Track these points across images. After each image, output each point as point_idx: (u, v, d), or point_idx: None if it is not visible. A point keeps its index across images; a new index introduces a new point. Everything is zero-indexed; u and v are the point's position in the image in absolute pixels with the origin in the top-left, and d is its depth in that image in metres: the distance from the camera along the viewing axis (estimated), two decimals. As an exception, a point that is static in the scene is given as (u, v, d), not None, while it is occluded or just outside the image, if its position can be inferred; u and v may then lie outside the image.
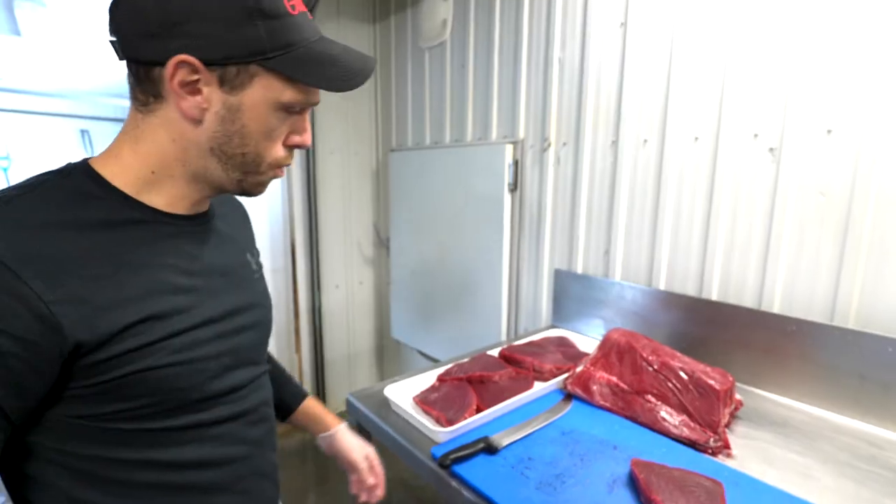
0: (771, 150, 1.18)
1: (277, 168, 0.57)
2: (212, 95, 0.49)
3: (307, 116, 0.57)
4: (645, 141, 1.42)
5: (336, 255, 2.55)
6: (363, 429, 1.13)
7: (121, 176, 0.52)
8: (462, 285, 2.00)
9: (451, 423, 1.00)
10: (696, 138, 1.31)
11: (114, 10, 0.48)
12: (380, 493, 0.92)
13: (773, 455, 0.94)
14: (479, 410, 1.06)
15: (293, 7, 0.49)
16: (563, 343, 1.43)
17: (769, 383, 1.18)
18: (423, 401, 1.10)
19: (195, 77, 0.48)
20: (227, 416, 0.59)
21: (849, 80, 1.05)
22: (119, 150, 0.53)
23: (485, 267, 1.89)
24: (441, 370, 1.25)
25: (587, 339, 1.48)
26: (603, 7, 1.47)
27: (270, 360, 0.83)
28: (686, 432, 0.98)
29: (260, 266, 0.72)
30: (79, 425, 0.49)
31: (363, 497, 0.91)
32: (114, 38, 0.49)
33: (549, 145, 1.67)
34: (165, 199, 0.55)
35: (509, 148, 1.76)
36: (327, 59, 0.51)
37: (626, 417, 1.06)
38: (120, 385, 0.48)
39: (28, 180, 0.49)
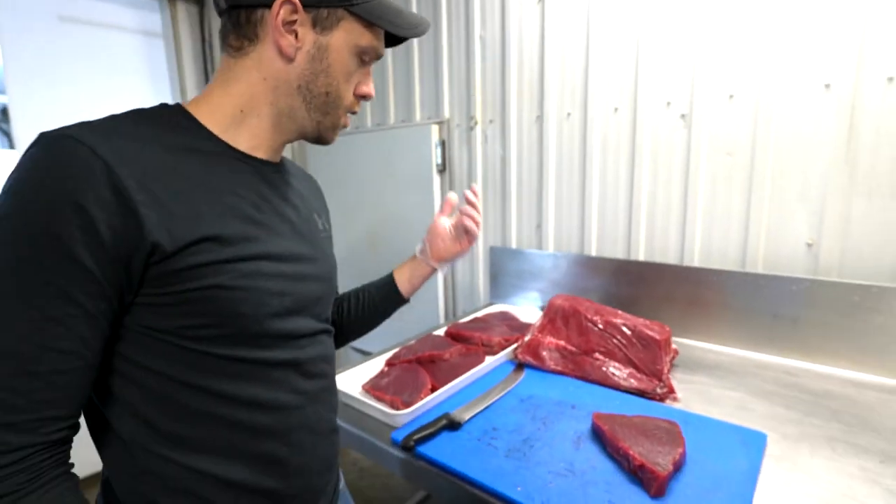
0: (682, 116, 1.27)
1: (349, 113, 0.63)
2: (305, 35, 0.56)
3: (370, 72, 0.64)
4: (568, 114, 1.46)
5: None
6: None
7: (209, 116, 0.57)
8: (395, 273, 1.94)
9: (407, 405, 0.95)
10: (616, 109, 1.37)
11: None
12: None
13: (712, 394, 1.01)
14: (433, 390, 1.02)
15: None
16: (505, 317, 1.43)
17: (697, 332, 1.28)
18: (374, 387, 1.04)
19: (294, 17, 0.54)
20: (282, 361, 0.59)
21: (746, 49, 1.15)
22: (209, 93, 0.58)
23: (418, 252, 1.84)
24: (389, 355, 1.19)
25: (528, 311, 1.50)
26: (519, -16, 1.49)
27: (347, 292, 0.89)
28: (634, 383, 1.02)
29: (327, 230, 0.74)
30: (147, 336, 0.51)
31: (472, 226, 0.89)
32: None
33: (476, 124, 1.67)
34: (247, 140, 0.59)
35: (435, 128, 1.73)
36: (395, 11, 0.60)
37: (578, 378, 1.08)
38: (187, 299, 0.50)
39: (126, 111, 0.54)
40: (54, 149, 0.45)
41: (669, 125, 1.29)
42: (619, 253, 1.43)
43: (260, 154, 0.60)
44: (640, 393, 1.01)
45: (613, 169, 1.40)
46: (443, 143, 1.74)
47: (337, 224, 0.92)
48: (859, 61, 1.03)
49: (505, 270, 1.64)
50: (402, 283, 0.91)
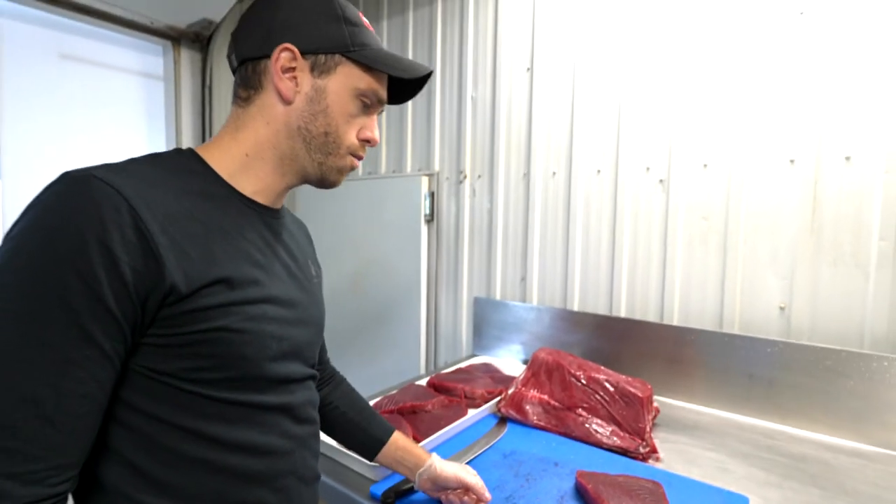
0: (661, 181, 1.34)
1: (353, 156, 0.64)
2: (304, 79, 0.59)
3: (376, 118, 0.66)
4: (554, 173, 1.53)
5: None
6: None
7: (219, 160, 0.60)
8: (378, 319, 1.93)
9: (388, 457, 0.92)
10: (599, 171, 1.45)
11: (236, 33, 0.62)
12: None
13: (692, 455, 1.01)
14: (415, 441, 1.00)
15: (367, 23, 0.64)
16: (488, 369, 1.43)
17: (677, 391, 1.29)
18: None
19: (293, 64, 0.58)
20: (276, 405, 0.59)
21: (718, 122, 1.25)
22: (220, 139, 0.61)
23: (402, 298, 1.84)
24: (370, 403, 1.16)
25: (511, 364, 1.49)
26: (511, 53, 1.60)
27: (352, 392, 0.86)
28: (617, 441, 1.02)
29: (319, 276, 0.75)
30: (145, 377, 0.50)
31: None
32: (231, 54, 0.62)
33: (465, 177, 1.73)
34: (252, 184, 0.61)
35: (425, 180, 1.78)
36: (393, 57, 0.63)
37: (561, 434, 1.07)
38: (193, 340, 0.50)
39: (143, 155, 0.56)
40: (81, 188, 0.46)
41: (649, 189, 1.36)
42: (601, 308, 1.46)
43: (262, 199, 0.62)
44: (623, 451, 1.00)
45: (596, 227, 1.46)
46: (432, 195, 1.79)
47: (323, 265, 0.93)
48: (820, 141, 1.13)
49: (488, 322, 1.65)
50: (385, 455, 0.81)
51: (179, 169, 0.56)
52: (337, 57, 0.60)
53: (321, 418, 0.78)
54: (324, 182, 0.65)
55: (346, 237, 2.03)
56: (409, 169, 1.90)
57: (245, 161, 0.60)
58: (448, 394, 1.23)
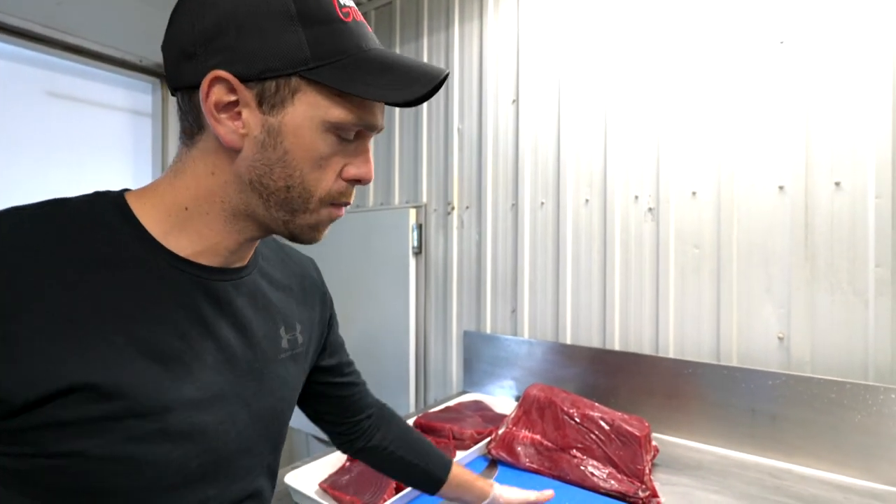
0: (650, 209, 1.32)
1: (333, 207, 0.48)
2: (250, 118, 0.43)
3: (368, 145, 0.49)
4: (542, 203, 1.51)
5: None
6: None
7: (152, 211, 0.45)
8: (366, 355, 1.86)
9: (368, 508, 0.86)
10: (587, 200, 1.43)
11: (163, 44, 0.45)
12: None
13: (696, 498, 0.95)
14: (398, 490, 0.93)
15: (346, 14, 0.44)
16: (479, 407, 1.36)
17: (677, 428, 1.23)
18: (333, 486, 0.94)
19: (233, 98, 0.42)
20: None
21: (705, 149, 1.24)
22: (158, 185, 0.47)
23: (390, 334, 1.79)
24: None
25: (503, 401, 1.43)
26: (496, 86, 1.61)
27: (406, 430, 0.77)
28: (615, 485, 0.95)
29: (294, 347, 0.58)
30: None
31: None
32: (166, 72, 0.46)
33: (453, 209, 1.71)
34: (192, 244, 0.46)
35: (412, 212, 1.76)
36: (378, 67, 0.43)
37: (555, 477, 1.01)
38: (38, 468, 0.38)
39: (53, 199, 0.43)
40: None
41: (638, 218, 1.34)
42: (594, 341, 1.41)
43: (206, 260, 0.47)
44: (622, 496, 0.94)
45: (586, 258, 1.43)
46: (420, 227, 1.77)
47: None
48: (808, 167, 1.11)
49: (479, 356, 1.59)
50: (451, 483, 0.76)
51: (84, 224, 0.42)
52: (293, 81, 0.42)
53: (375, 461, 0.75)
54: (296, 240, 0.50)
55: (336, 273, 1.98)
56: (396, 201, 1.88)
57: (184, 216, 0.45)
58: (435, 435, 1.16)
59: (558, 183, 1.48)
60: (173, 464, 0.42)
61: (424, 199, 1.79)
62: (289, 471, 0.99)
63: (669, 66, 1.29)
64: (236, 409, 0.48)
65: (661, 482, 1.01)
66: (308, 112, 0.43)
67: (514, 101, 1.57)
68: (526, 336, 1.53)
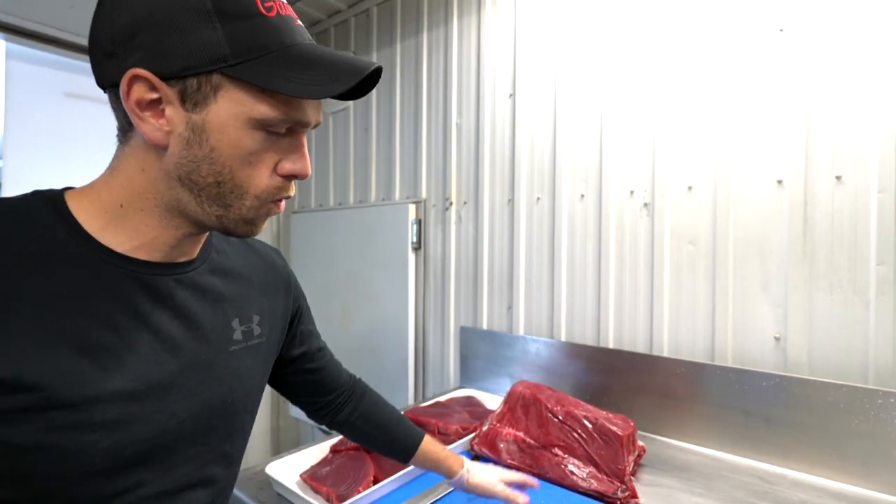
0: (645, 205, 1.29)
1: (272, 202, 0.48)
2: (174, 115, 0.43)
3: (302, 139, 0.48)
4: (538, 199, 1.49)
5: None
6: (238, 520, 0.94)
7: (90, 207, 0.46)
8: (366, 350, 1.88)
9: (343, 499, 0.87)
10: (582, 196, 1.40)
11: (88, 42, 0.45)
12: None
13: (677, 500, 0.93)
14: (376, 481, 0.94)
15: (269, 8, 0.43)
16: (470, 403, 1.36)
17: (670, 428, 1.20)
18: (313, 476, 0.96)
19: (155, 95, 0.42)
20: None
21: (701, 143, 1.20)
22: (95, 183, 0.48)
23: (390, 328, 1.80)
24: (335, 440, 1.11)
25: (495, 398, 1.42)
26: (493, 80, 1.60)
27: (375, 405, 0.81)
28: (594, 485, 0.94)
29: (249, 338, 0.58)
30: None
31: None
32: (92, 70, 0.46)
33: (451, 204, 1.71)
34: (131, 239, 0.47)
35: (412, 207, 1.77)
36: (301, 63, 0.43)
37: (535, 475, 1.00)
38: None
39: None
40: None
41: (633, 213, 1.31)
42: (588, 339, 1.39)
43: (145, 255, 0.48)
44: (600, 496, 0.92)
45: (581, 254, 1.40)
46: (419, 222, 1.77)
47: (312, 299, 0.90)
48: (808, 160, 1.07)
49: (475, 352, 1.59)
50: (420, 455, 0.81)
51: (15, 223, 0.43)
52: (215, 77, 0.42)
53: (347, 432, 0.81)
54: (231, 235, 0.49)
55: (337, 268, 2.01)
56: (397, 196, 1.89)
57: (120, 212, 0.46)
58: (421, 429, 1.16)
59: (554, 178, 1.46)
60: (103, 451, 0.43)
61: (424, 195, 1.79)
62: (272, 461, 1.01)
63: (665, 57, 1.25)
64: (178, 399, 0.49)
65: (645, 483, 0.99)
66: (232, 109, 0.43)
67: (510, 95, 1.56)
68: (521, 332, 1.52)
